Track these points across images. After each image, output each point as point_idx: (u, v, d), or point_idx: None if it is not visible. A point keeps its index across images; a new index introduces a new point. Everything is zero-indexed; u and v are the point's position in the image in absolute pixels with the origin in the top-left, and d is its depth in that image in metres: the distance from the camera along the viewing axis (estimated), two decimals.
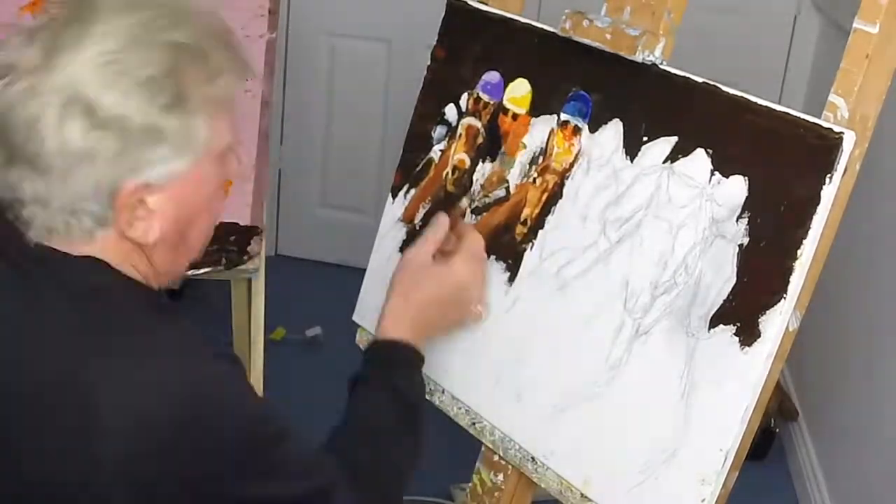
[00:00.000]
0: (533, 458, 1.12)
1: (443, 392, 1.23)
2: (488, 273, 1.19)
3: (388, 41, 3.08)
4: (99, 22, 0.88)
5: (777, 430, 2.57)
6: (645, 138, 1.08)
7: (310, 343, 2.83)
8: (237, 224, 1.61)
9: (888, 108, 1.00)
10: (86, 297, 0.91)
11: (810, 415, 2.56)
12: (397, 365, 1.13)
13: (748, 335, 0.97)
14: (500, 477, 1.19)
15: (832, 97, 0.96)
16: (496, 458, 1.19)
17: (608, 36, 1.08)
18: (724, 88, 1.04)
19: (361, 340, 1.36)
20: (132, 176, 0.89)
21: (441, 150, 1.28)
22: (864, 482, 2.13)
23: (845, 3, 2.30)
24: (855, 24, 0.95)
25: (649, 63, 1.07)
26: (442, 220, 1.20)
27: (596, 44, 1.09)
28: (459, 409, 1.21)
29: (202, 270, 1.58)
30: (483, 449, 1.21)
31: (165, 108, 0.88)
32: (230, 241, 1.61)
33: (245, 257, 1.60)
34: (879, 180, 2.16)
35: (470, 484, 1.24)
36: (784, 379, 2.71)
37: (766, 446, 2.50)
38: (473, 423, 1.20)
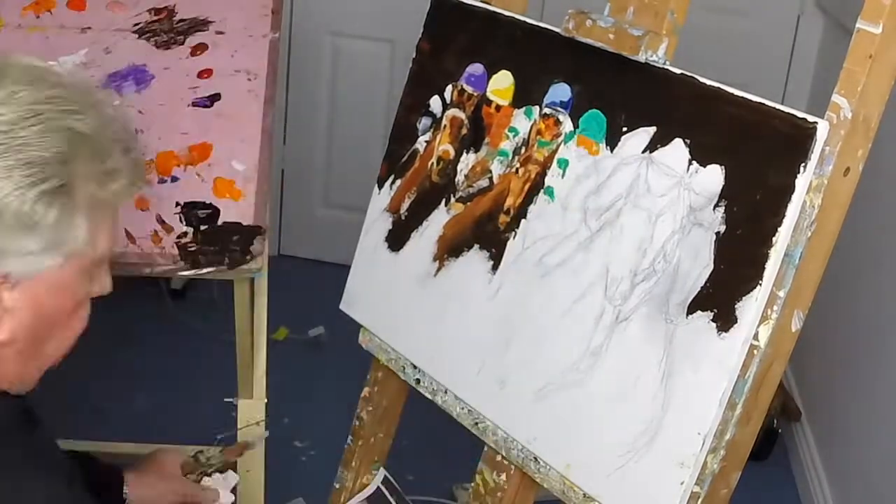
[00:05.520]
0: (535, 458, 1.13)
1: (445, 392, 1.24)
2: None
3: (391, 41, 3.09)
4: (1, 89, 0.82)
5: (780, 430, 2.56)
6: (624, 129, 1.10)
7: (313, 343, 2.84)
8: (240, 224, 1.62)
9: (891, 107, 1.00)
10: None
11: (813, 415, 2.56)
12: None
13: (725, 321, 0.98)
14: (503, 477, 1.19)
15: (835, 97, 0.96)
16: (499, 458, 1.19)
17: (611, 36, 1.09)
18: (701, 79, 1.05)
19: (364, 340, 1.37)
20: None
21: (426, 142, 1.30)
22: (867, 483, 2.13)
23: (849, 3, 2.31)
24: (858, 25, 0.95)
25: (653, 63, 1.08)
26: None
27: (599, 44, 1.10)
28: (462, 409, 1.22)
29: (205, 270, 1.60)
30: (485, 449, 1.21)
31: (47, 196, 0.81)
32: (233, 241, 1.62)
33: (248, 257, 1.60)
34: (883, 180, 2.16)
35: (472, 484, 1.24)
36: (787, 379, 2.70)
37: (768, 447, 2.50)
38: (476, 423, 1.20)
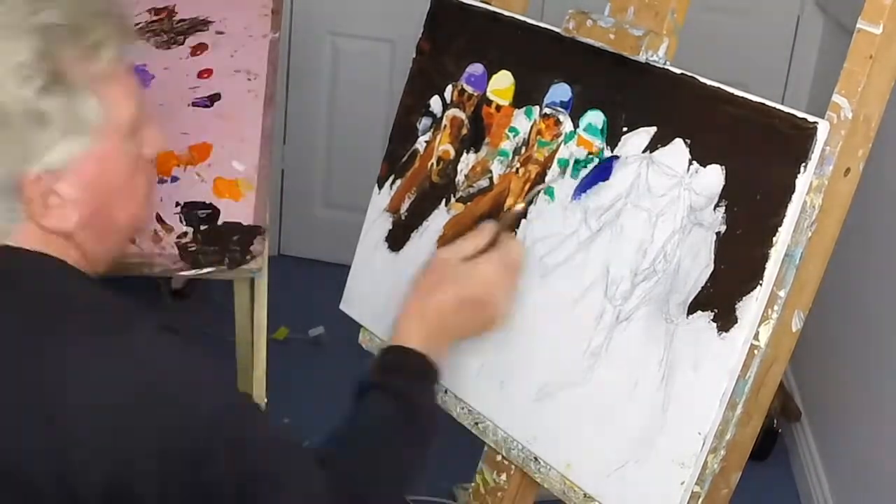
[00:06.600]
0: (535, 458, 1.13)
1: (445, 392, 1.24)
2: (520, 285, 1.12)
3: (391, 41, 3.09)
4: None
5: (780, 430, 2.56)
6: (625, 128, 1.10)
7: (313, 343, 2.84)
8: (240, 224, 1.62)
9: (891, 107, 1.00)
10: (14, 285, 0.90)
11: (813, 415, 2.56)
12: (407, 374, 1.05)
13: (725, 321, 0.98)
14: (503, 477, 1.19)
15: (836, 97, 0.96)
16: (499, 458, 1.19)
17: (611, 36, 1.09)
18: (702, 79, 1.05)
19: (364, 340, 1.37)
20: (28, 165, 0.88)
21: (426, 142, 1.30)
22: (867, 482, 2.13)
23: (848, 3, 2.31)
24: (858, 25, 0.96)
25: (653, 63, 1.07)
26: (485, 227, 1.13)
27: (599, 44, 1.10)
28: (462, 409, 1.22)
29: (205, 270, 1.60)
30: (486, 449, 1.21)
31: (42, 90, 0.86)
32: (233, 241, 1.63)
33: (248, 257, 1.60)
34: (883, 180, 2.16)
35: (472, 484, 1.24)
36: (787, 379, 2.70)
37: (768, 447, 2.50)
38: (476, 423, 1.20)
